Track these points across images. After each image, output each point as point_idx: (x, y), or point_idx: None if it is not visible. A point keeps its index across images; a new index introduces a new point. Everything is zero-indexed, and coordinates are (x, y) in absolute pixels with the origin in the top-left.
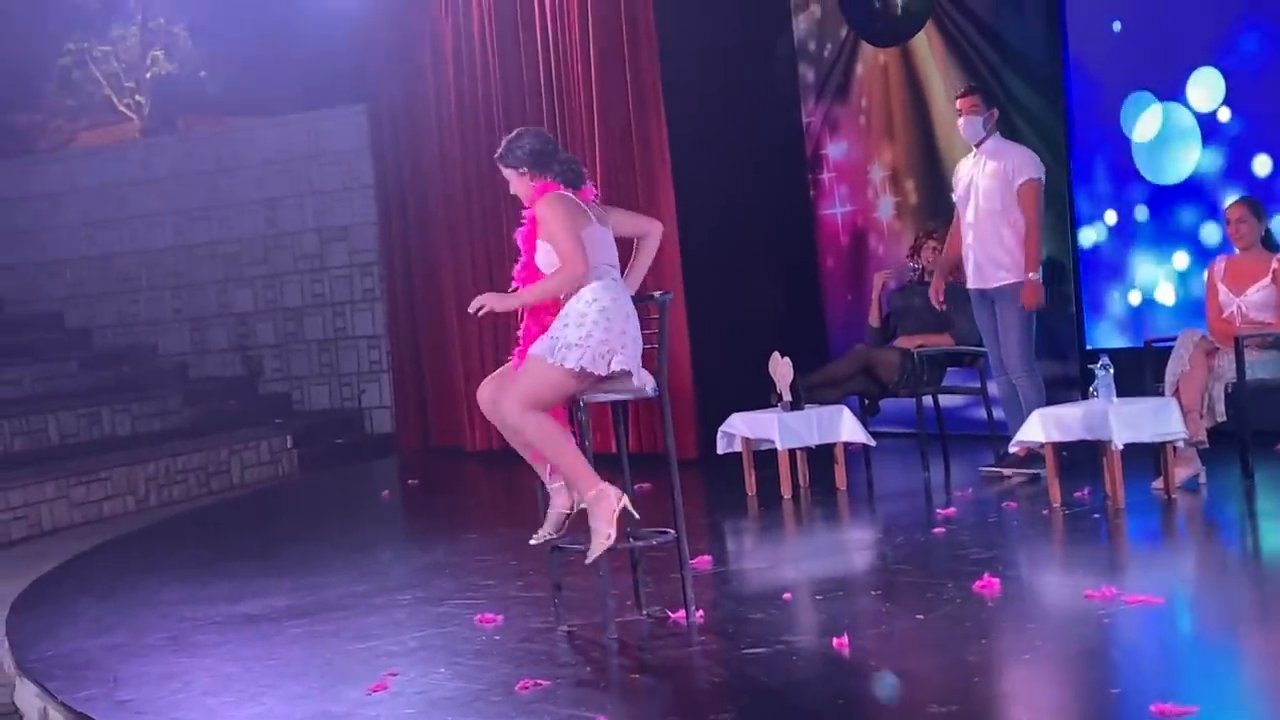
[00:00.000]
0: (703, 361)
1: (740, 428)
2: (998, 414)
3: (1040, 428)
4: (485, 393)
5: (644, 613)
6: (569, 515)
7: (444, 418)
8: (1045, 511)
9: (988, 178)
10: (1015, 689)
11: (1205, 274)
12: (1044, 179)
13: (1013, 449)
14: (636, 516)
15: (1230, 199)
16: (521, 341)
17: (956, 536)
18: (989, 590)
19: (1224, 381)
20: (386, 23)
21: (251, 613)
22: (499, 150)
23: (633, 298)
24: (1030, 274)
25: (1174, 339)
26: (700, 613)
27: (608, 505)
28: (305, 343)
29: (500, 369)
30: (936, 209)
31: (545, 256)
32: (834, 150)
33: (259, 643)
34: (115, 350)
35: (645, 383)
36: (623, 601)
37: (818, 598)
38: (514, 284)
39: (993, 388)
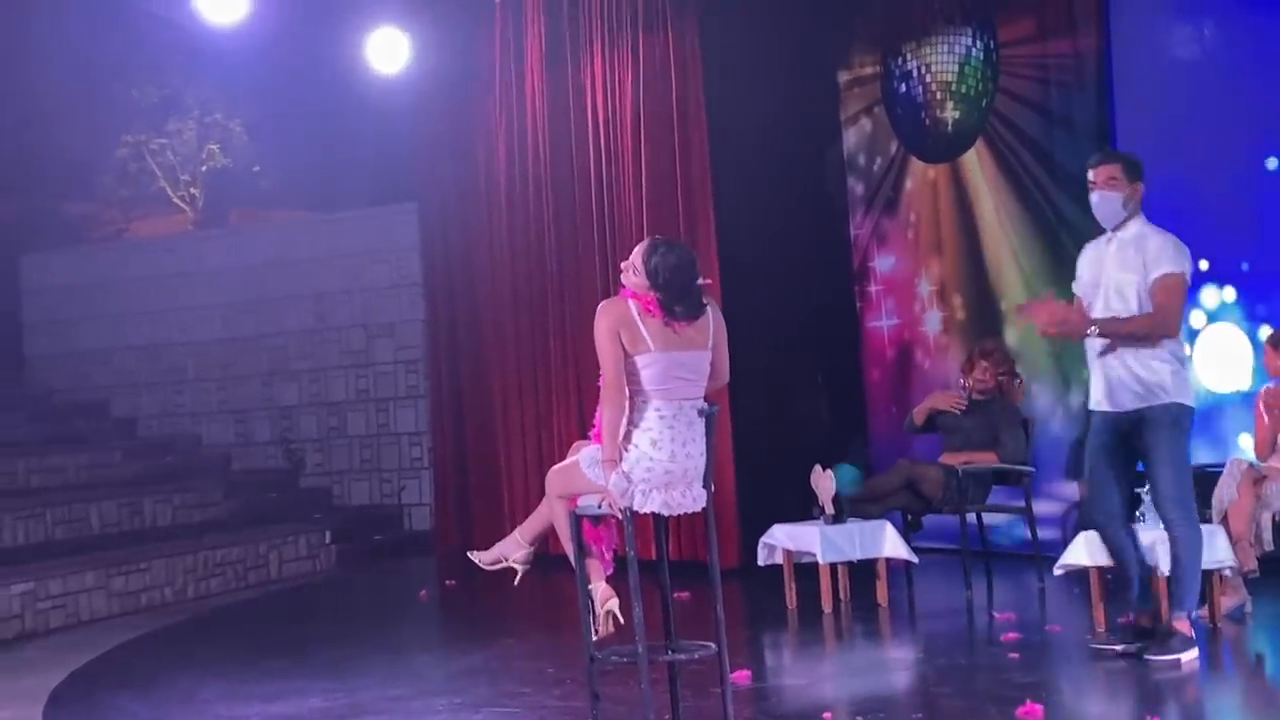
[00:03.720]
0: (746, 471)
1: (782, 539)
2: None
3: (1085, 551)
4: None
5: None
6: (607, 605)
7: (486, 517)
8: (1089, 636)
9: (1123, 270)
10: None
11: (1256, 403)
12: (1189, 276)
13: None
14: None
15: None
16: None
17: (999, 659)
18: (1032, 717)
19: (1271, 510)
20: (440, 123)
21: (287, 713)
22: (657, 242)
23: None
24: (1093, 328)
25: (1220, 466)
26: None
27: (512, 552)
28: (347, 438)
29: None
30: (984, 325)
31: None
32: (881, 263)
33: None
34: (160, 440)
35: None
36: (660, 715)
37: (858, 718)
38: None
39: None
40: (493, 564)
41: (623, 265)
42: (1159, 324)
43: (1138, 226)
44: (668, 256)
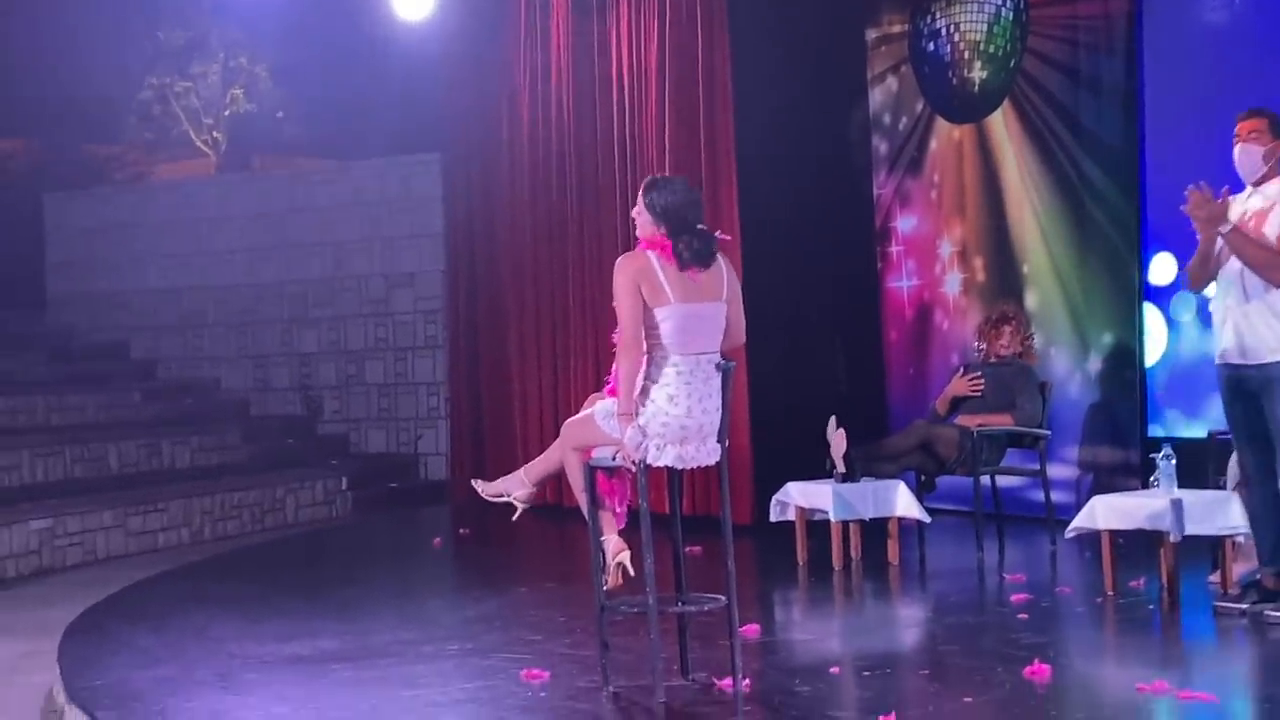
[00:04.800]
0: (761, 428)
1: (795, 496)
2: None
3: (1098, 515)
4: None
5: (690, 678)
6: (618, 557)
7: (500, 468)
8: (1099, 599)
9: (1264, 224)
10: None
11: None
12: None
13: (1249, 569)
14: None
15: None
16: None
17: (1008, 619)
18: (1039, 677)
19: None
20: (465, 75)
21: (300, 654)
22: (654, 178)
23: None
24: (1225, 226)
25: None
26: (747, 682)
27: (515, 488)
28: (365, 385)
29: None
30: (1005, 288)
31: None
32: (903, 223)
33: (306, 685)
34: (178, 383)
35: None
36: (669, 666)
37: (865, 673)
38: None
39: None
40: (495, 496)
41: (633, 215)
42: (1276, 264)
43: (1279, 184)
44: (664, 189)
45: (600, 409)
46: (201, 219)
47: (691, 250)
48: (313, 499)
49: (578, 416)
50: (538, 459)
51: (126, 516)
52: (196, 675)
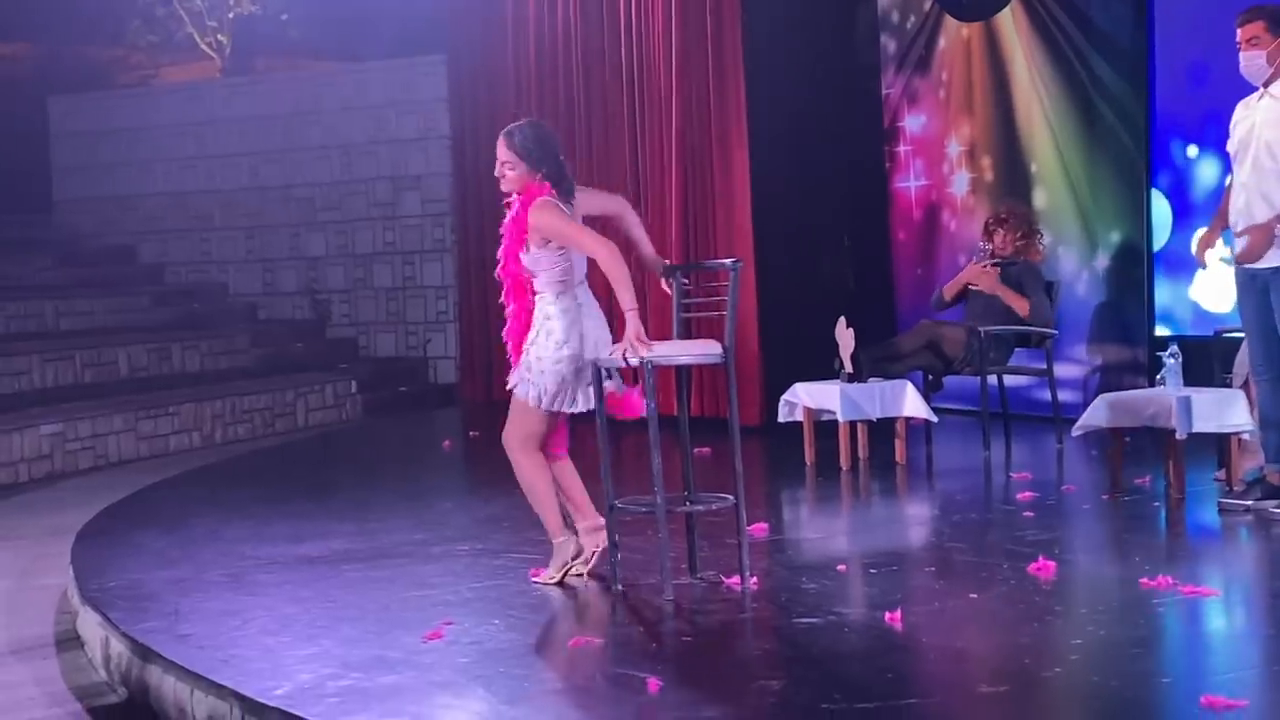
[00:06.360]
0: (770, 329)
1: (803, 397)
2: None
3: (1104, 414)
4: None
5: (698, 577)
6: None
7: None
8: (1105, 496)
9: (1270, 126)
10: (1065, 673)
11: None
12: None
13: (1254, 466)
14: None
15: None
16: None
17: (1014, 517)
18: (1044, 573)
19: None
20: None
21: (311, 555)
22: (510, 127)
23: (704, 265)
24: (1243, 242)
25: (1242, 332)
26: (754, 580)
27: (563, 556)
28: (374, 290)
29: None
30: (1012, 187)
31: (532, 257)
32: (911, 123)
33: (317, 584)
34: (187, 287)
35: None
36: (677, 565)
37: (871, 571)
38: (500, 274)
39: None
40: (560, 576)
41: (502, 169)
42: None
43: None
44: (525, 130)
45: (515, 381)
46: (207, 122)
47: (568, 182)
48: (323, 402)
49: (508, 420)
50: (543, 512)
51: (137, 420)
52: (209, 576)
